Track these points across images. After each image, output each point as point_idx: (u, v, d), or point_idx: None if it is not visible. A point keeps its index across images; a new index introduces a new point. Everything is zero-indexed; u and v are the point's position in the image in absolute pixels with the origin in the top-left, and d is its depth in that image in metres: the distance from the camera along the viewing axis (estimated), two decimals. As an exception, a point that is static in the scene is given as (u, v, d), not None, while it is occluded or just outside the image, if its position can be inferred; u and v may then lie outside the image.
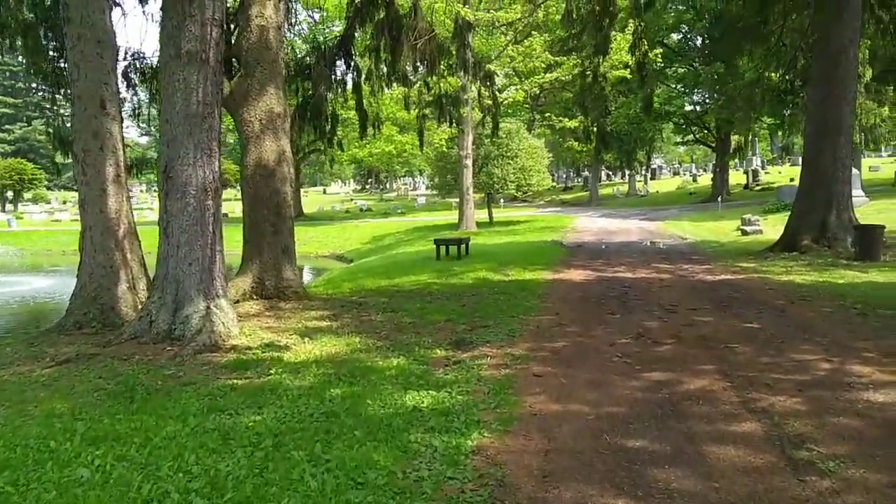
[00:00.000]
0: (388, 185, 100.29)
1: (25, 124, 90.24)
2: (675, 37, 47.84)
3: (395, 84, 17.26)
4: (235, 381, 6.31)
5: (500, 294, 11.65)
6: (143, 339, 7.69)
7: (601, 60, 21.32)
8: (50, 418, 5.32)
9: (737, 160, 61.30)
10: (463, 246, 19.78)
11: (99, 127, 9.05)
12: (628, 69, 33.94)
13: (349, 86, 17.07)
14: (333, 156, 46.53)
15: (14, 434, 4.96)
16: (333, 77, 16.38)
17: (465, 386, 5.91)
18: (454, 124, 18.17)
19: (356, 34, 16.55)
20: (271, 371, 6.61)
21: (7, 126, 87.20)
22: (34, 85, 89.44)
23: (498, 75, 34.27)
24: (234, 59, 11.81)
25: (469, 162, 31.07)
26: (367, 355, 7.22)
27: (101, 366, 7.01)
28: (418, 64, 16.63)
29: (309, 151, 51.34)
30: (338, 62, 16.38)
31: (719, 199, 37.59)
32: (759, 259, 16.00)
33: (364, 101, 16.80)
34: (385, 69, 16.51)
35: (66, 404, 5.72)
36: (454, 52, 16.80)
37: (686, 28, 45.76)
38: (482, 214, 36.13)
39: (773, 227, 24.42)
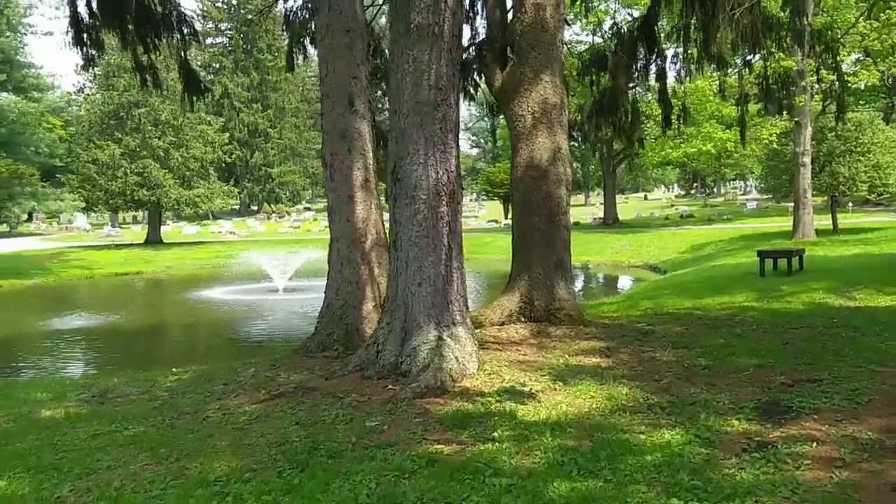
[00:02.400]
0: (715, 190, 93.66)
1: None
2: None
3: (708, 68, 14.69)
4: (442, 447, 4.73)
5: (840, 328, 8.71)
6: (367, 371, 6.51)
7: None
8: (194, 488, 4.20)
9: None
10: (795, 259, 16.34)
11: (347, 126, 8.17)
12: None
13: (652, 76, 14.89)
14: (634, 156, 43.47)
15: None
16: (634, 65, 14.31)
17: (767, 501, 3.66)
18: (786, 114, 14.95)
19: (661, 14, 14.31)
20: (494, 434, 4.93)
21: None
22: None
23: (845, 58, 29.10)
24: (507, 49, 10.40)
25: (807, 160, 26.54)
26: (629, 419, 5.20)
27: (309, 405, 5.91)
28: (738, 42, 13.87)
29: (624, 157, 49.09)
30: (640, 49, 14.27)
31: None
32: None
33: (670, 90, 14.52)
34: (696, 51, 14.06)
35: (231, 464, 4.60)
36: (784, 24, 13.73)
37: None
38: (824, 220, 30.93)
39: None
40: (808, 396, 5.63)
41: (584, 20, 39.44)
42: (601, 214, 53.42)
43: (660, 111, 15.73)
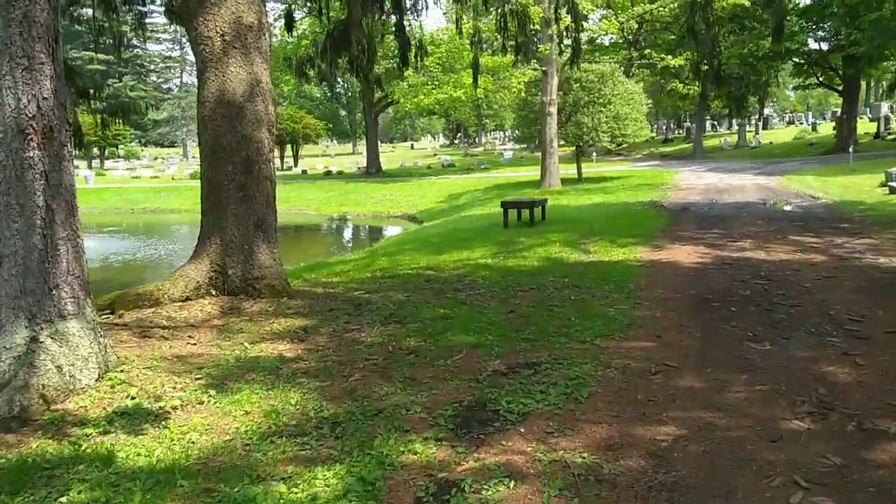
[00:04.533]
0: (477, 140, 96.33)
1: (117, 80, 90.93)
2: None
3: (449, 5, 13.53)
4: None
5: (571, 289, 7.92)
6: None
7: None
8: None
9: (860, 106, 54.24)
10: (538, 209, 16.00)
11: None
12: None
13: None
14: (389, 104, 41.81)
15: None
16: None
17: None
18: (522, 54, 14.24)
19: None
20: (62, 501, 3.21)
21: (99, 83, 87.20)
22: (126, 41, 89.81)
23: (591, 12, 29.81)
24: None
25: (553, 110, 26.88)
26: (280, 450, 3.71)
27: None
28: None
29: (386, 104, 47.94)
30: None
31: (850, 149, 32.03)
32: (942, 230, 11.61)
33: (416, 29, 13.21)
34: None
35: None
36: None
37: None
38: (571, 170, 32.00)
39: (928, 184, 19.51)
40: (520, 392, 4.50)
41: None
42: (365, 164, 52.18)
43: (415, 56, 14.42)
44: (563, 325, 6.22)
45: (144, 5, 11.80)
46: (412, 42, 13.13)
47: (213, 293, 7.57)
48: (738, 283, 7.96)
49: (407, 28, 13.92)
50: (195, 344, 5.95)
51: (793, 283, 7.88)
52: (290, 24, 13.52)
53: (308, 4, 13.35)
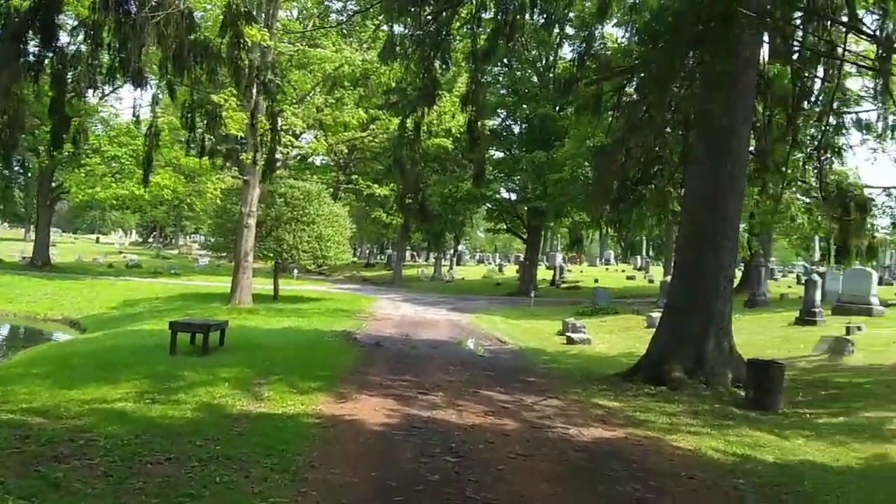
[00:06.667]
0: (174, 241, 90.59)
1: None
2: (490, 122, 45.16)
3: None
4: None
5: (221, 462, 6.00)
6: None
7: (426, 111, 16.84)
8: None
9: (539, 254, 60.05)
10: (216, 333, 13.90)
11: None
12: (451, 137, 30.23)
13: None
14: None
15: None
16: (23, 59, 10.41)
17: None
18: (215, 158, 12.52)
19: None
20: None
21: None
22: None
23: (302, 129, 29.12)
24: None
25: (252, 222, 25.13)
26: None
27: None
28: (166, 61, 10.99)
29: (64, 191, 42.56)
30: (30, 38, 10.44)
31: (532, 294, 34.32)
32: (619, 392, 11.61)
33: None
34: (112, 59, 10.81)
35: None
36: (222, 54, 11.34)
37: (505, 113, 43.39)
38: (268, 285, 30.09)
39: (596, 335, 20.80)
40: None
41: None
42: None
43: (73, 139, 11.88)
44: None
45: None
46: (75, 122, 10.78)
47: None
48: (426, 461, 6.64)
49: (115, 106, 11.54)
50: None
51: (486, 462, 6.76)
52: None
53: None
